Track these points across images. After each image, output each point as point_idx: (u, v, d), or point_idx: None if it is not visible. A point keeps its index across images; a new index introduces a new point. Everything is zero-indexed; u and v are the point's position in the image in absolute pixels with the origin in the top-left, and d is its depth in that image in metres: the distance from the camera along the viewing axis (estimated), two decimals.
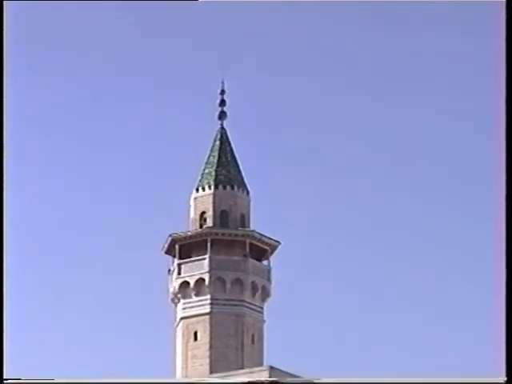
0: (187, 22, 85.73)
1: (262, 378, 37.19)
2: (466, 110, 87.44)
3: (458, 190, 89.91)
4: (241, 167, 48.72)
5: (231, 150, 48.66)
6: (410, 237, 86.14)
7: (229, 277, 44.73)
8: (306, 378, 39.12)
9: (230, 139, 48.83)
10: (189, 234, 46.16)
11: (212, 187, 47.07)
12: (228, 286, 44.78)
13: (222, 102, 47.97)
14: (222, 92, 48.15)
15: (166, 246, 45.95)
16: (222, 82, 48.54)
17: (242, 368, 41.55)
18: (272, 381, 36.78)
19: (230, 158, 48.47)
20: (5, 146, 24.45)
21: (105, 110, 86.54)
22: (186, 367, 44.42)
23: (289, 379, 38.43)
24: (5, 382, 25.67)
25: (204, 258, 45.08)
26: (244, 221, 46.97)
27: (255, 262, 45.93)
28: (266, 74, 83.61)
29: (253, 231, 45.89)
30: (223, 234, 45.65)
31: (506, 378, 20.90)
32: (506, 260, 18.93)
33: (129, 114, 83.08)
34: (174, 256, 45.96)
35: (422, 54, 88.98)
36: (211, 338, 44.05)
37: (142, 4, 77.63)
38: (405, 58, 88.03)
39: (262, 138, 72.38)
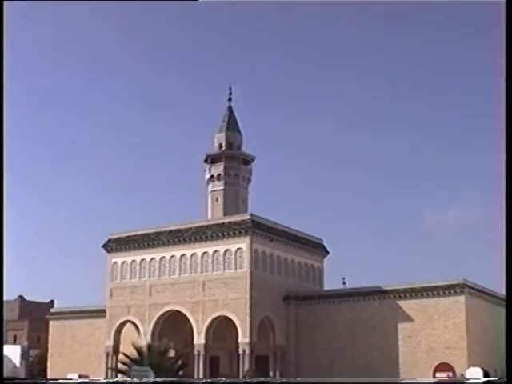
0: (192, 23, 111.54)
1: (246, 218, 62.84)
2: (466, 111, 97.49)
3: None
4: (239, 123, 77.98)
5: (234, 116, 77.71)
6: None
7: (232, 172, 73.66)
8: (270, 219, 63.51)
9: (234, 111, 77.82)
10: (214, 153, 75.83)
11: (225, 132, 76.75)
12: (232, 176, 73.59)
13: (230, 94, 77.32)
14: (230, 89, 77.33)
15: (204, 158, 75.01)
16: (230, 88, 76.88)
17: (238, 214, 67.51)
18: (252, 219, 61.83)
19: (233, 119, 77.03)
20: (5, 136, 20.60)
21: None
22: (213, 212, 73.47)
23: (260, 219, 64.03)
24: (5, 382, 23.35)
25: (221, 164, 74.15)
26: (240, 147, 76.99)
27: (244, 166, 75.20)
28: (260, 69, 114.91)
29: (243, 152, 75.81)
30: (230, 153, 74.78)
31: (506, 379, 18.60)
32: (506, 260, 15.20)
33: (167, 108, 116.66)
34: (207, 163, 75.55)
35: (422, 53, 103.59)
36: (224, 200, 73.31)
37: (146, 4, 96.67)
38: (405, 58, 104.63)
39: (249, 110, 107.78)
